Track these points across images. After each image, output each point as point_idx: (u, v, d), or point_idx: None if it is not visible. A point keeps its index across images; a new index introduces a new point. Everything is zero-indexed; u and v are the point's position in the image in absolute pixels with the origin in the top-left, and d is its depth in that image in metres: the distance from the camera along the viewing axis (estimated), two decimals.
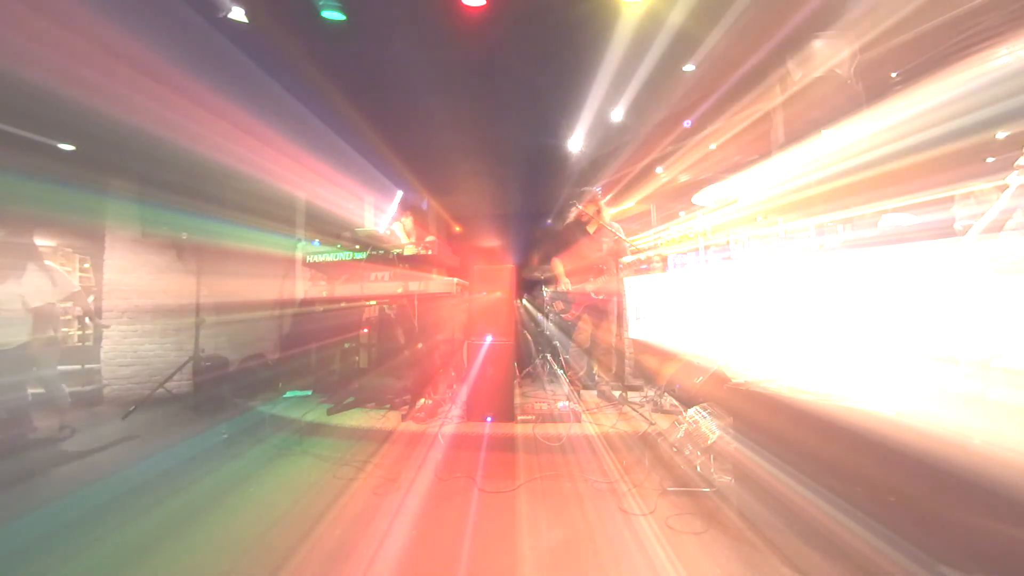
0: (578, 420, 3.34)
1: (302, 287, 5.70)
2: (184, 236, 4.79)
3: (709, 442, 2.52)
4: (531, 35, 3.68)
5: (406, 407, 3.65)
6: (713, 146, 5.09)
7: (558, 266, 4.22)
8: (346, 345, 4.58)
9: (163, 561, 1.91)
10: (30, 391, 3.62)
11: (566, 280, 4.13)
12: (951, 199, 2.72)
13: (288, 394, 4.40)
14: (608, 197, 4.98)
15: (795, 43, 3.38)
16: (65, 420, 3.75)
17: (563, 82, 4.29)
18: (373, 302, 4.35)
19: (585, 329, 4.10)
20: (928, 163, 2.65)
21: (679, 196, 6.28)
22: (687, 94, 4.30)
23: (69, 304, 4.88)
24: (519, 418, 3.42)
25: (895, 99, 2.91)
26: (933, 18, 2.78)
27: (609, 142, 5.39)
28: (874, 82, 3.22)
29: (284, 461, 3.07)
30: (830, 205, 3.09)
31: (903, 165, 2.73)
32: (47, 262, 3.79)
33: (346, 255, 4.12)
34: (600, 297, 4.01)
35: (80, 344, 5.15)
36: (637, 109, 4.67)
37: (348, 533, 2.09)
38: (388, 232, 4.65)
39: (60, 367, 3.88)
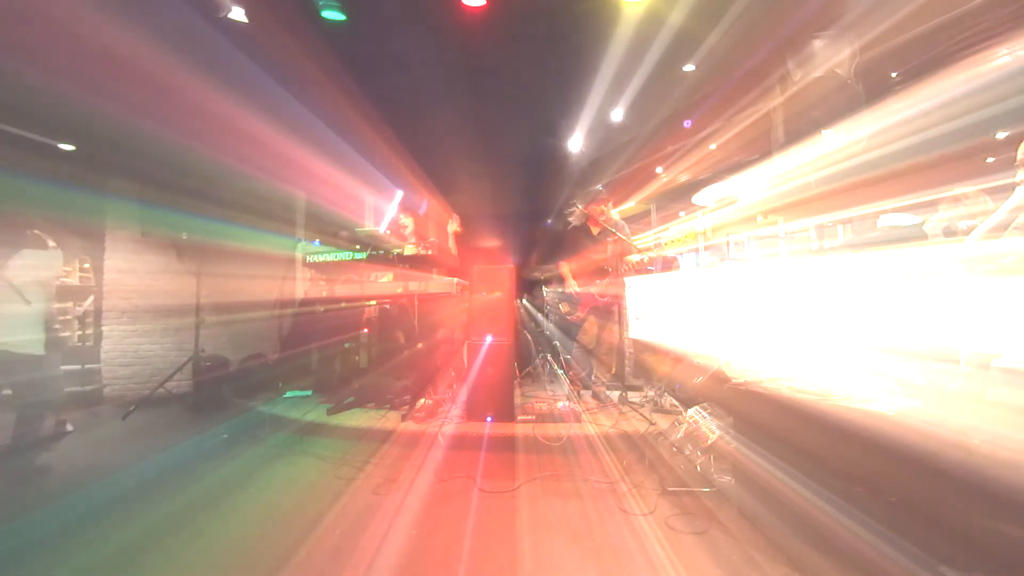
0: (578, 420, 3.34)
1: (302, 287, 5.69)
2: (184, 236, 4.79)
3: (709, 442, 2.52)
4: (531, 35, 3.69)
5: (406, 407, 3.65)
6: (713, 146, 5.09)
7: (564, 267, 4.18)
8: (346, 345, 4.58)
9: (163, 561, 1.91)
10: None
11: (573, 282, 4.11)
12: (950, 200, 2.72)
13: (288, 394, 4.40)
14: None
15: (795, 43, 3.38)
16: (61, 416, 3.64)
17: (563, 82, 4.29)
18: (373, 302, 4.35)
19: (590, 330, 4.09)
20: (928, 163, 2.65)
21: (679, 196, 6.29)
22: (687, 94, 4.31)
23: (69, 304, 4.88)
24: (519, 418, 3.42)
25: (895, 99, 2.91)
26: (933, 18, 2.78)
27: (609, 142, 5.39)
28: (874, 82, 3.22)
29: (284, 461, 3.06)
30: (830, 205, 3.09)
31: (903, 165, 2.73)
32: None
33: (346, 255, 4.12)
34: (604, 299, 4.00)
35: (80, 344, 5.15)
36: (637, 109, 4.67)
37: (348, 533, 2.09)
38: (392, 229, 4.64)
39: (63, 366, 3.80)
